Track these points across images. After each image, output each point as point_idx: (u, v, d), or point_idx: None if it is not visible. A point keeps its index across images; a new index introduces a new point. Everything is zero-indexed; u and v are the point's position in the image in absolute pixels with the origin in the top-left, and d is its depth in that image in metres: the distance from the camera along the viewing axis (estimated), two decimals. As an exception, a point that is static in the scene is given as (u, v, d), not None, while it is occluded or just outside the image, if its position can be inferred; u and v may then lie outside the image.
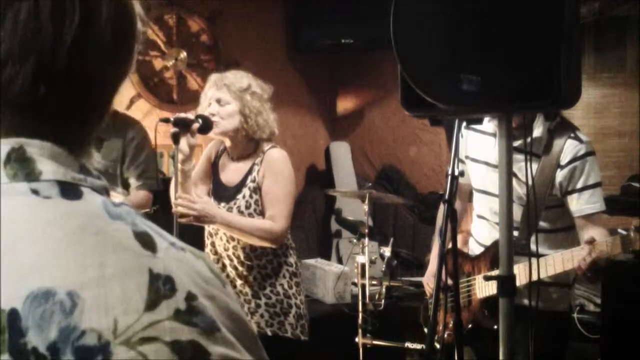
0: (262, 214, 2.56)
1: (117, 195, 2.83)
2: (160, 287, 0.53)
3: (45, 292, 0.50)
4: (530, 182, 1.95)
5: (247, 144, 2.61)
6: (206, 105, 2.59)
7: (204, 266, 0.58)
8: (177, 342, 0.51)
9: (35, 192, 0.55)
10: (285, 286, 2.61)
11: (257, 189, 2.55)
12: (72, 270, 0.52)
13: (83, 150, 0.62)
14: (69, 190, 0.57)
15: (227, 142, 2.63)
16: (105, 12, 0.59)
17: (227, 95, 2.55)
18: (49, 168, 0.56)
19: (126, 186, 3.15)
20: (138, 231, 0.56)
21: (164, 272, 0.54)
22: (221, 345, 0.53)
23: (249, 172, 2.58)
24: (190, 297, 0.53)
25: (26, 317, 0.49)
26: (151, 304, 0.51)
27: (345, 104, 6.08)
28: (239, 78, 2.61)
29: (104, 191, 0.60)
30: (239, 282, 2.60)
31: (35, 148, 0.56)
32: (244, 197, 2.56)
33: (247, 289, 2.59)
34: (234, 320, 0.56)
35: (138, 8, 0.65)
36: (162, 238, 0.58)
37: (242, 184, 2.58)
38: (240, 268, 2.59)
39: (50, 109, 0.57)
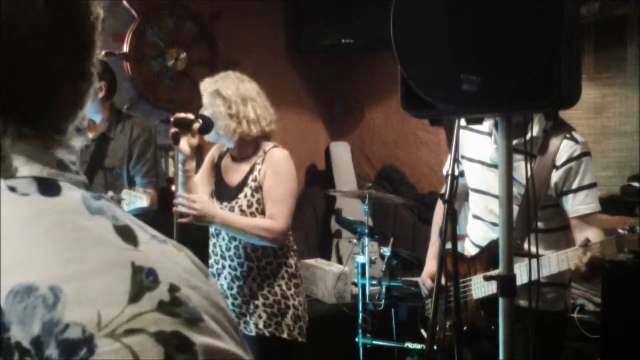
0: (263, 213, 2.56)
1: (137, 194, 2.84)
2: (143, 279, 0.53)
3: (27, 287, 0.50)
4: (528, 182, 1.95)
5: (247, 144, 2.61)
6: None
7: (185, 258, 0.59)
8: (162, 333, 0.51)
9: (12, 189, 0.55)
10: (284, 287, 2.61)
11: (259, 188, 2.55)
12: (54, 265, 0.52)
13: (60, 145, 0.61)
14: (47, 187, 0.56)
15: (230, 144, 2.64)
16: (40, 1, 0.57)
17: (206, 100, 2.60)
18: (25, 165, 0.56)
19: (132, 184, 3.17)
20: (119, 225, 0.56)
21: (147, 265, 0.54)
22: (205, 335, 0.53)
23: (251, 171, 2.58)
24: (173, 289, 0.53)
25: (9, 313, 0.49)
26: (134, 296, 0.51)
27: (345, 104, 6.08)
28: (210, 82, 2.60)
29: (83, 186, 0.60)
30: (236, 283, 2.60)
31: (9, 145, 0.56)
32: (245, 196, 2.56)
33: (245, 290, 2.59)
34: (217, 310, 0.56)
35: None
36: (144, 231, 0.58)
37: (243, 183, 2.59)
38: (240, 269, 2.59)
39: (11, 104, 0.57)
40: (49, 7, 0.57)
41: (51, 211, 0.55)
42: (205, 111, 2.58)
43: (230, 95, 2.55)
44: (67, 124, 0.63)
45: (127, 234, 0.56)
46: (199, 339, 0.52)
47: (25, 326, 0.49)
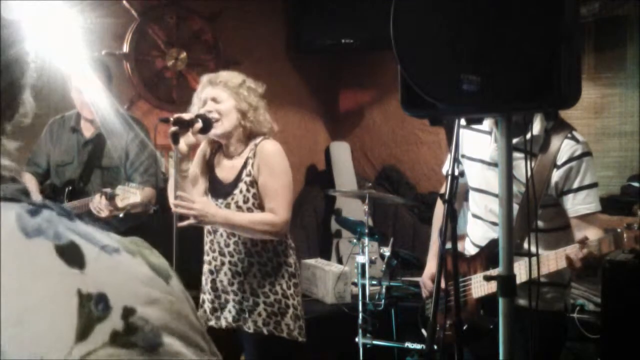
0: (260, 207, 2.55)
1: (131, 190, 2.84)
2: (91, 309, 0.47)
3: None
4: (528, 181, 1.95)
5: (244, 141, 2.61)
6: (200, 106, 2.59)
7: (142, 265, 0.53)
8: None
9: None
10: (284, 286, 2.61)
11: (254, 183, 2.55)
12: None
13: None
14: None
15: (223, 141, 2.62)
16: None
17: (223, 93, 2.56)
18: None
19: None
20: (61, 245, 0.50)
21: (95, 290, 0.48)
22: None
23: (244, 166, 2.57)
24: (127, 313, 0.48)
25: None
26: (83, 332, 0.46)
27: (345, 104, 6.08)
28: (233, 75, 2.63)
29: (22, 194, 0.53)
30: (237, 279, 2.60)
31: None
32: (240, 191, 2.56)
33: (246, 287, 2.59)
34: (179, 320, 0.52)
35: None
36: (91, 244, 0.52)
37: (238, 179, 2.58)
38: (240, 265, 2.59)
39: None
40: None
41: None
42: (225, 103, 2.55)
43: (256, 88, 2.62)
44: (1, 122, 0.56)
45: (71, 255, 0.50)
46: None
47: None
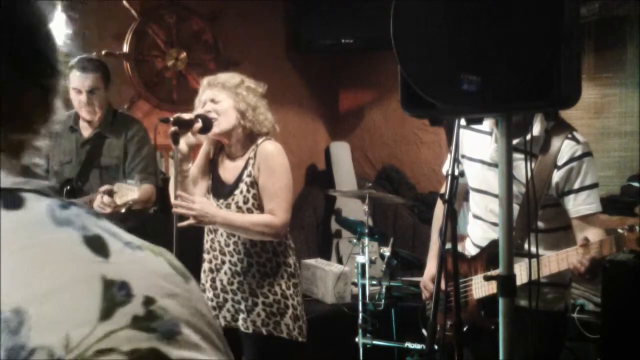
0: (260, 208, 2.56)
1: (129, 187, 2.84)
2: (114, 294, 0.50)
3: None
4: (529, 182, 1.95)
5: (245, 141, 2.61)
6: (200, 108, 2.60)
7: (164, 263, 0.56)
8: (136, 351, 0.48)
9: None
10: (283, 286, 2.61)
11: (254, 184, 2.55)
12: (17, 285, 0.49)
13: (26, 149, 0.58)
14: (10, 199, 0.53)
15: (225, 141, 2.63)
16: None
17: (222, 93, 2.57)
18: None
19: None
20: (88, 235, 0.53)
21: (119, 278, 0.51)
22: (183, 349, 0.51)
23: (245, 167, 2.58)
24: (148, 302, 0.51)
25: None
26: (106, 313, 0.49)
27: (345, 104, 6.08)
28: (231, 76, 2.64)
29: (52, 191, 0.57)
30: (237, 279, 2.60)
31: None
32: (241, 192, 2.56)
33: (245, 287, 2.59)
34: (197, 317, 0.54)
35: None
36: (116, 239, 0.55)
37: (239, 179, 2.58)
38: (239, 264, 2.59)
39: None
40: None
41: (14, 227, 0.52)
42: (223, 103, 2.56)
43: (255, 88, 2.62)
44: (34, 124, 0.60)
45: (97, 245, 0.53)
46: (176, 353, 0.50)
47: None
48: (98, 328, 0.48)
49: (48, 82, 0.60)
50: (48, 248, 0.51)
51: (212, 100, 2.57)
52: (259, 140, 2.60)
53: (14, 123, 0.58)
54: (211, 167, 2.71)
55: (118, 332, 0.48)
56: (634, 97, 4.57)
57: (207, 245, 2.70)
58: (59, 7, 4.07)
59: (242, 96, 2.57)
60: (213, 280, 2.66)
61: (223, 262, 2.63)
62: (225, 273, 2.63)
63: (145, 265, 0.54)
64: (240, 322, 2.60)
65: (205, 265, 2.70)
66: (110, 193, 2.84)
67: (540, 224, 2.35)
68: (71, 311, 0.48)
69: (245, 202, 2.55)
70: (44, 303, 0.48)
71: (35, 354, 0.46)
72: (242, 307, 2.60)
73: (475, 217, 2.56)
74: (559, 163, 2.31)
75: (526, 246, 2.17)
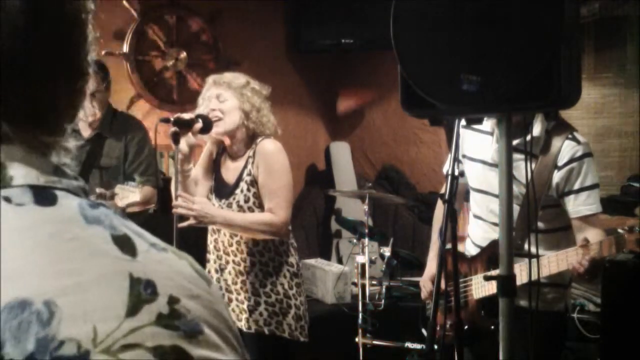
0: (261, 206, 2.56)
1: (130, 189, 2.84)
2: (141, 291, 0.51)
3: (22, 302, 0.49)
4: (529, 182, 1.95)
5: (247, 142, 2.62)
6: (205, 107, 2.60)
7: (187, 266, 0.57)
8: (160, 347, 0.49)
9: (7, 199, 0.53)
10: (286, 286, 2.61)
11: (254, 182, 2.56)
12: (48, 278, 0.50)
13: (56, 148, 0.60)
14: (42, 196, 0.55)
15: (227, 141, 2.63)
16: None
17: (227, 92, 2.58)
18: (20, 172, 0.55)
19: None
20: (116, 234, 0.55)
21: (145, 276, 0.52)
22: (204, 348, 0.52)
23: (245, 166, 2.58)
24: (172, 301, 0.52)
25: (3, 330, 0.48)
26: (132, 310, 0.50)
27: (345, 104, 6.08)
28: (237, 76, 2.65)
29: (82, 192, 0.58)
30: (240, 278, 2.60)
31: (4, 153, 0.54)
32: (242, 191, 2.57)
33: (247, 286, 2.59)
34: (219, 320, 0.55)
35: None
36: (142, 240, 0.56)
37: (239, 178, 2.59)
38: (242, 264, 2.59)
39: (6, 108, 0.55)
40: (26, 6, 0.55)
41: (46, 222, 0.53)
42: (228, 102, 2.56)
43: (260, 90, 2.63)
44: (64, 124, 0.61)
45: (125, 244, 0.54)
46: (197, 352, 0.51)
47: (20, 343, 0.47)
48: (124, 323, 0.49)
49: (78, 84, 0.61)
50: (79, 243, 0.53)
51: (217, 97, 2.57)
52: (259, 139, 2.60)
53: (46, 125, 0.59)
54: (214, 168, 2.72)
55: (143, 328, 0.50)
56: (634, 97, 4.57)
57: (211, 246, 2.71)
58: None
59: (247, 97, 2.58)
60: (218, 280, 2.66)
61: (227, 262, 2.64)
62: (230, 273, 2.63)
63: (170, 266, 0.55)
64: (243, 322, 2.61)
65: (210, 266, 2.70)
66: (112, 196, 2.84)
67: (540, 225, 2.35)
68: (99, 306, 0.50)
69: (246, 201, 2.56)
70: (74, 296, 0.49)
71: (64, 345, 0.48)
72: (245, 306, 2.60)
73: (476, 217, 2.56)
74: (560, 163, 2.31)
75: (526, 246, 2.17)
